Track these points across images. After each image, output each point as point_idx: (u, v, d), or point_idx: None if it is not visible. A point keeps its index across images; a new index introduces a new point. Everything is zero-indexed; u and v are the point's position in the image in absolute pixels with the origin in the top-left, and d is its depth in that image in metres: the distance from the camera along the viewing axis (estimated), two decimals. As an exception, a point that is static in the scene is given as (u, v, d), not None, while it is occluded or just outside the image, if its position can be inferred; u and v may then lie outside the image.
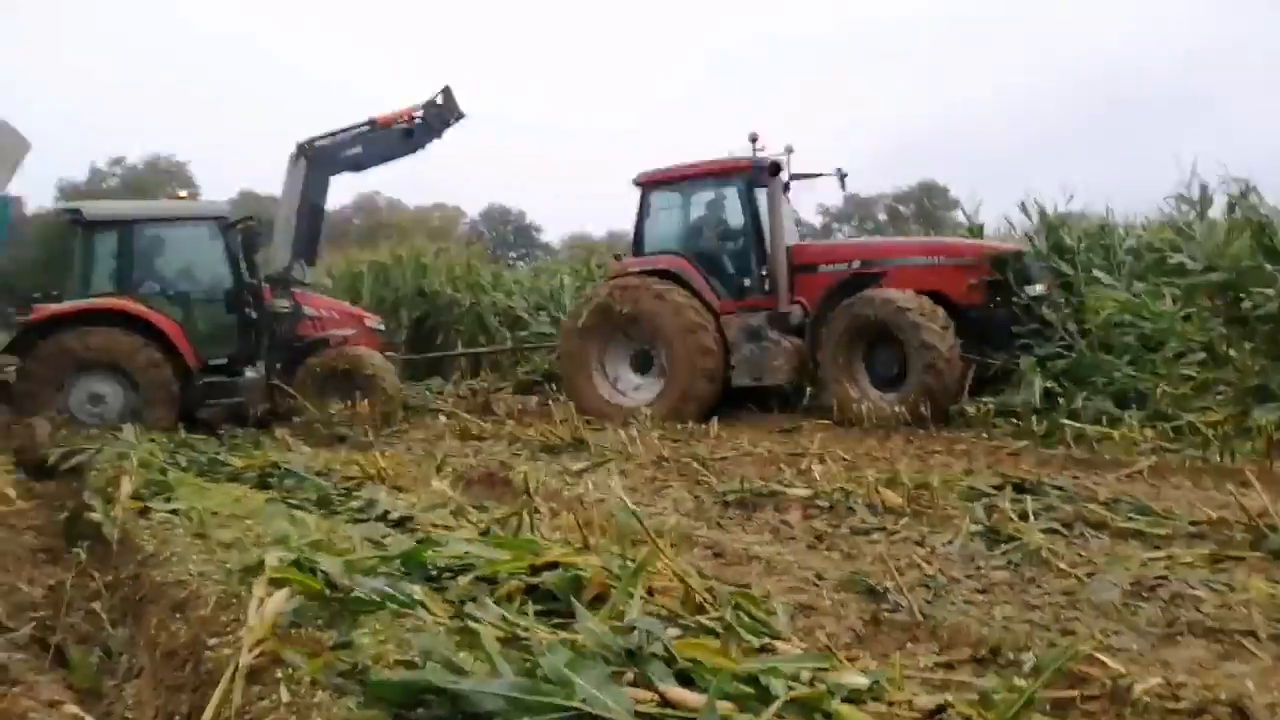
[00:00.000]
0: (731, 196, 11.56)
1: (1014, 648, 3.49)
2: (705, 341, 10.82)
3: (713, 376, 10.88)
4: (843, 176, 12.35)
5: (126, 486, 5.75)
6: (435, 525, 5.21)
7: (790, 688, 2.71)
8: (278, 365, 11.06)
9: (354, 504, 6.06)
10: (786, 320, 10.96)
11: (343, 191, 66.64)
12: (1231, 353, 8.76)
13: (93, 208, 11.41)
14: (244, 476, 7.52)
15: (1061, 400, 9.38)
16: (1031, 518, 5.28)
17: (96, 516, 5.66)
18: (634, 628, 3.15)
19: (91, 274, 10.91)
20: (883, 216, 61.14)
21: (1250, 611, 3.89)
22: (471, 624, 3.44)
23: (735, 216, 11.62)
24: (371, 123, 11.35)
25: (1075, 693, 3.03)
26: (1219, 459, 7.34)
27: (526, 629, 3.38)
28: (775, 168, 10.94)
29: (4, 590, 4.54)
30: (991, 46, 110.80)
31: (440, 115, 11.63)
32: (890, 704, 2.75)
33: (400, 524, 5.47)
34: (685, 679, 2.85)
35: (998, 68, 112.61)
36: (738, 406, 11.34)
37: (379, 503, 5.83)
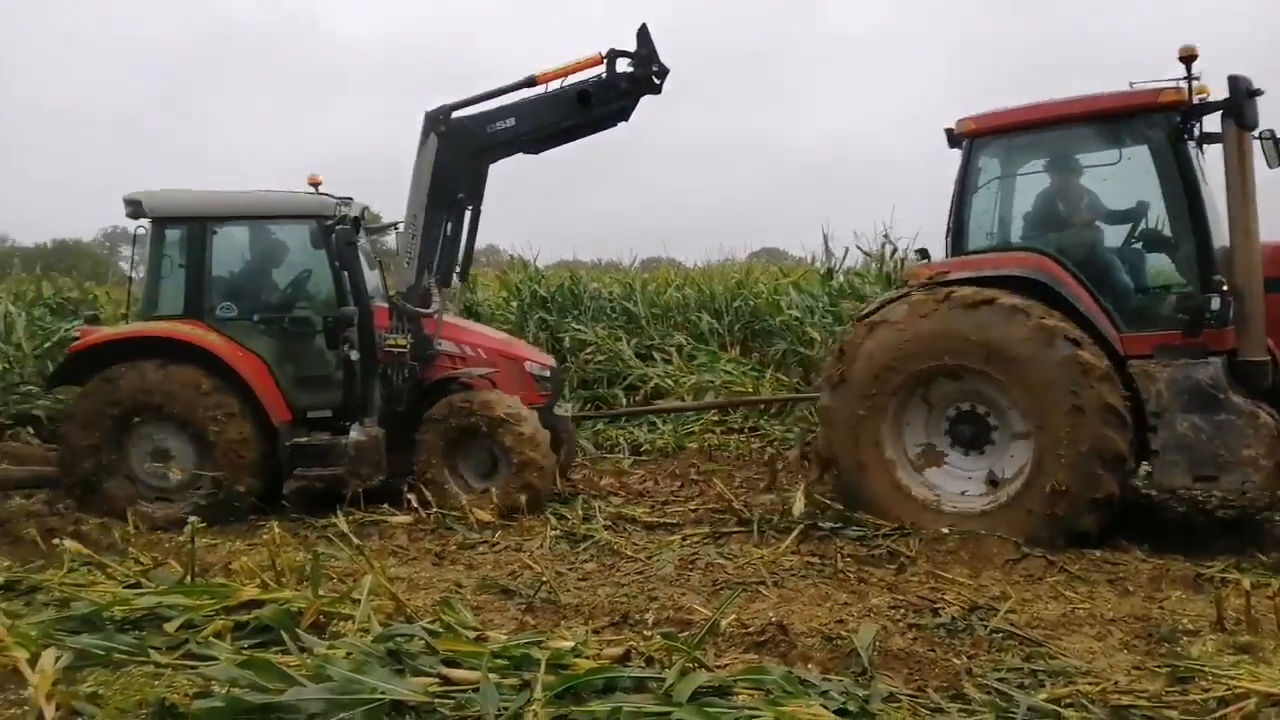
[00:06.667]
0: (1139, 155, 6.66)
1: (636, 611, 4.91)
2: (1108, 402, 6.14)
3: (1116, 466, 6.17)
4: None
5: None
6: (66, 585, 5.16)
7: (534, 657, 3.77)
8: (398, 421, 7.83)
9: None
10: (1259, 375, 6.29)
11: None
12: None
13: (157, 200, 7.88)
14: None
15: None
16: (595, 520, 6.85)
17: None
18: (392, 636, 3.96)
19: (159, 289, 7.87)
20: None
21: (755, 569, 5.80)
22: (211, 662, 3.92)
23: (1149, 188, 6.67)
24: (530, 81, 7.76)
25: (687, 632, 4.48)
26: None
27: (267, 655, 3.95)
28: (1240, 100, 6.22)
29: None
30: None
31: (637, 67, 7.64)
32: (592, 656, 3.94)
33: (8, 589, 5.26)
34: (451, 665, 3.76)
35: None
36: None
37: (-37, 571, 5.46)
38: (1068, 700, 3.71)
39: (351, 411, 7.73)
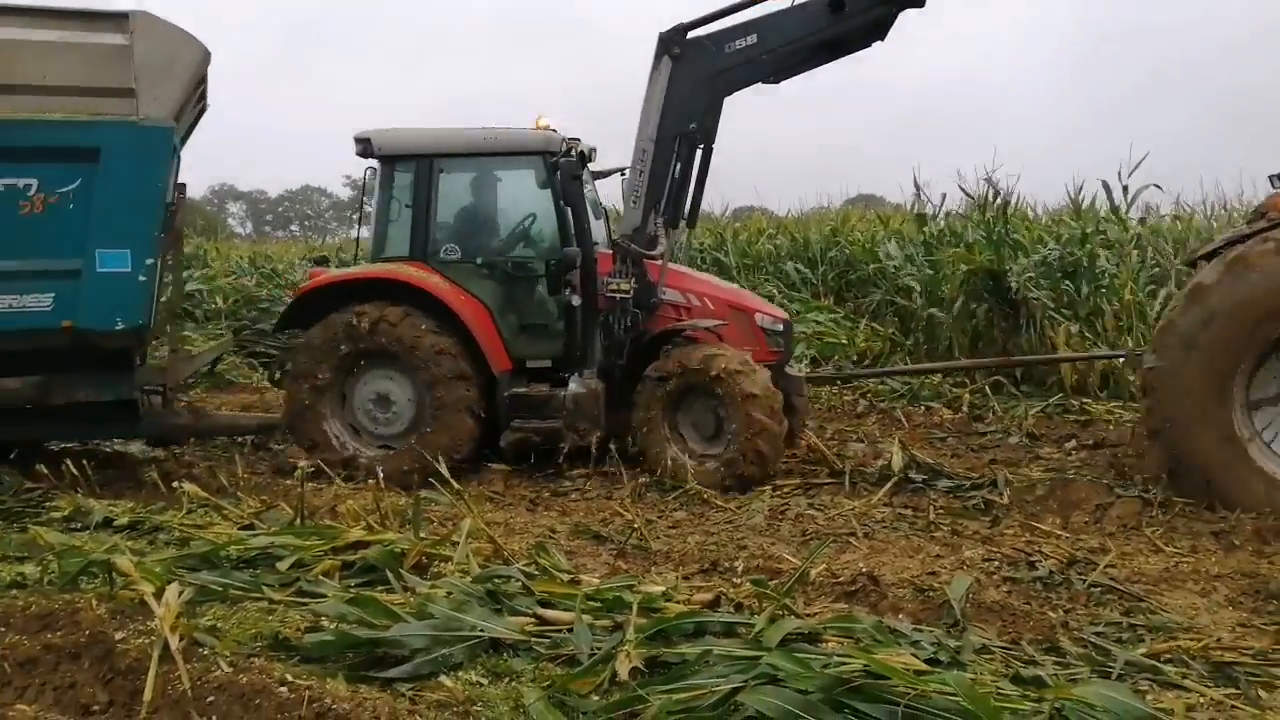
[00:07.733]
0: None
1: (726, 559, 4.97)
2: None
3: None
4: None
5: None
6: (186, 525, 5.46)
7: (626, 600, 3.86)
8: (618, 374, 7.32)
9: (55, 514, 5.94)
10: None
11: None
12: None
13: (386, 138, 7.66)
14: None
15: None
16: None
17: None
18: (490, 577, 4.10)
19: (387, 230, 7.73)
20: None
21: (845, 520, 5.81)
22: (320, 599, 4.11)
23: None
24: None
25: (776, 580, 4.51)
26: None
27: (373, 594, 4.12)
28: None
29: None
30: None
31: None
32: (682, 601, 4.02)
33: (133, 528, 5.59)
34: (546, 606, 3.88)
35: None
36: None
37: (93, 512, 5.81)
38: (1167, 656, 3.63)
39: (571, 362, 7.37)
